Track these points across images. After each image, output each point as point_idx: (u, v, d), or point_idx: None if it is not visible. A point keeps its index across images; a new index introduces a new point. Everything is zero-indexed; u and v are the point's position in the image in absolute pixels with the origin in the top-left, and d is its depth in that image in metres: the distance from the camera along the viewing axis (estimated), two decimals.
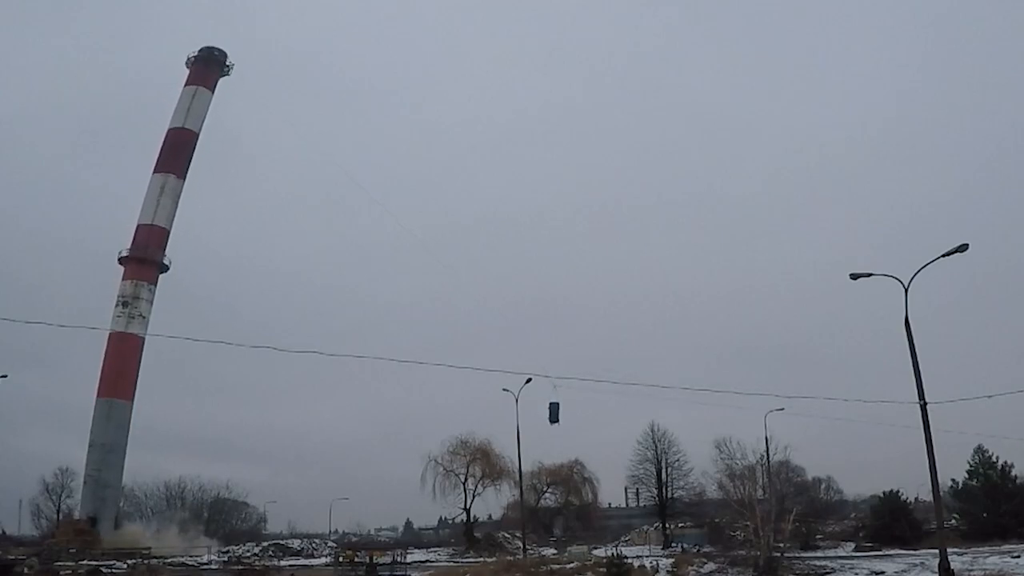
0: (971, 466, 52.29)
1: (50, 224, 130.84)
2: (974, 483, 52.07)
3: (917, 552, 42.23)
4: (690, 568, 36.28)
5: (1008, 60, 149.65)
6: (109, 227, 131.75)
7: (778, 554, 35.80)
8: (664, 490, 66.16)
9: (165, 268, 73.40)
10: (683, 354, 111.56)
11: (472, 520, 69.47)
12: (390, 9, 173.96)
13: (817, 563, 37.14)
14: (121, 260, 71.41)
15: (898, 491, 55.27)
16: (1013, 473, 51.40)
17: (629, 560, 34.21)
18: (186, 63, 78.44)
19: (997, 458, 51.68)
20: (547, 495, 73.05)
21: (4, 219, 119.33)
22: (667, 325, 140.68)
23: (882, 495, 56.68)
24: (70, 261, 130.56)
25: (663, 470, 66.60)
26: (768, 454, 41.85)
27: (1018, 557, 35.11)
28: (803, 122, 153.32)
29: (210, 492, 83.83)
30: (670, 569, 35.93)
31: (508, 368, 42.92)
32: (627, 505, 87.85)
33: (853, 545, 53.04)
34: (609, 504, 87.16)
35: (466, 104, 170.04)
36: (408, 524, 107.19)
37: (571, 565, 38.15)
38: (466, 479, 68.30)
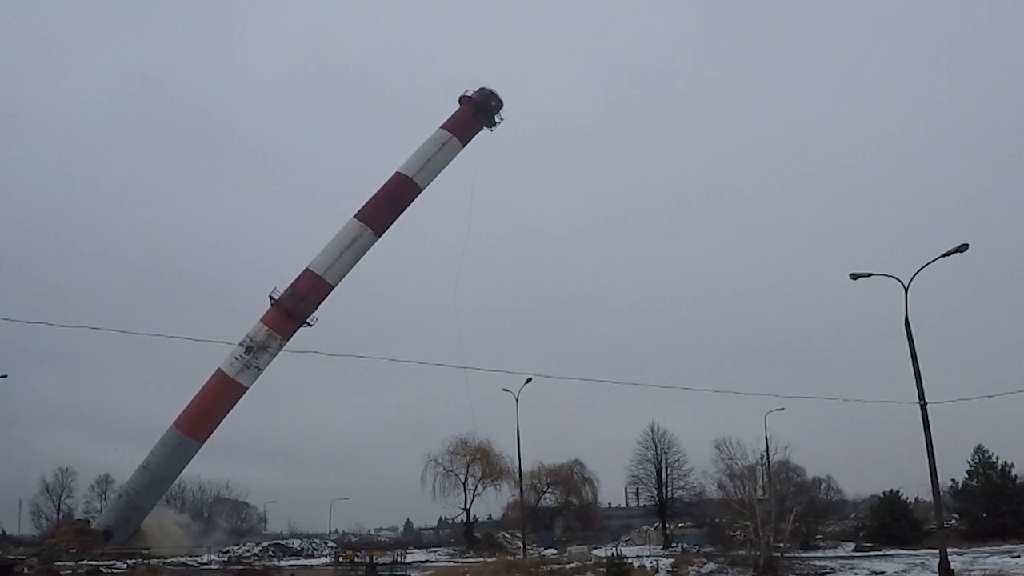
0: (971, 466, 52.29)
1: (56, 226, 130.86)
2: (974, 483, 52.05)
3: (917, 552, 42.25)
4: (690, 568, 36.31)
5: (1009, 60, 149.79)
6: (115, 230, 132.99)
7: (778, 554, 35.85)
8: (664, 490, 66.15)
9: (308, 325, 62.96)
10: (683, 354, 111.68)
11: (472, 520, 69.55)
12: (393, 10, 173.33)
13: (817, 563, 37.17)
14: (271, 300, 61.30)
15: (898, 491, 55.31)
16: (1013, 473, 51.41)
17: (629, 560, 34.27)
18: (459, 100, 67.25)
19: (997, 458, 51.73)
20: (547, 495, 73.10)
21: (9, 222, 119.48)
22: (667, 326, 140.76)
23: (882, 495, 56.70)
24: (74, 261, 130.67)
25: (663, 470, 66.60)
26: (768, 454, 41.86)
27: (1018, 557, 35.16)
28: (804, 125, 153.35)
29: (210, 492, 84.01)
30: (670, 569, 35.98)
31: (508, 368, 42.93)
32: (627, 505, 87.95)
33: (853, 545, 53.01)
34: (609, 504, 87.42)
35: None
36: (408, 524, 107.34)
37: (571, 565, 38.21)
38: (466, 479, 68.40)
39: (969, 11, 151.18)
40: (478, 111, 67.39)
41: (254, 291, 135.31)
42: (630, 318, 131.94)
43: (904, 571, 32.80)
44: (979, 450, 52.36)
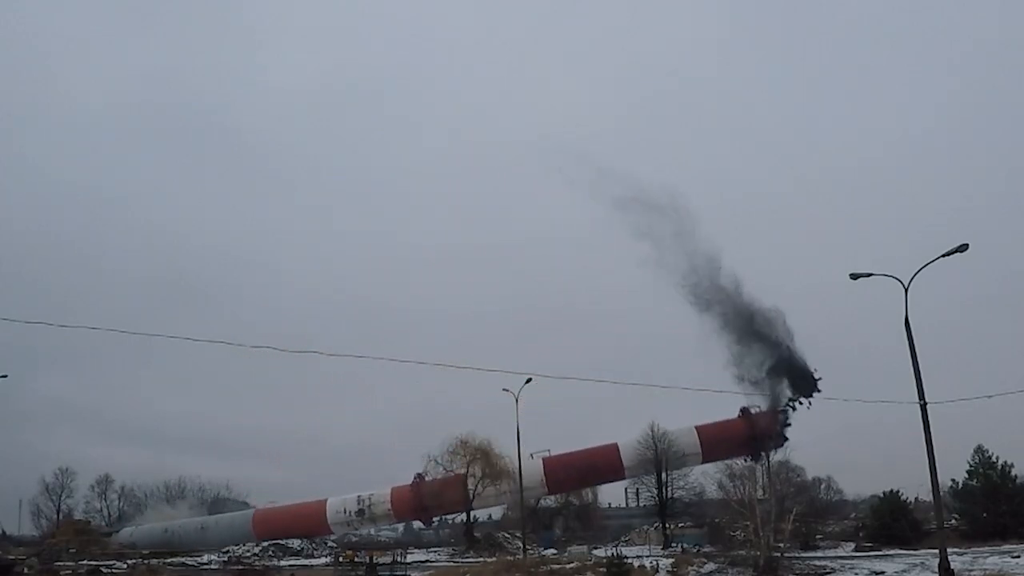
0: (971, 466, 52.22)
1: (56, 226, 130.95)
2: (974, 483, 51.99)
3: (917, 552, 42.24)
4: (690, 568, 36.31)
5: (1009, 61, 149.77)
6: (116, 231, 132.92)
7: (778, 554, 35.84)
8: (664, 490, 66.07)
9: (425, 524, 59.17)
10: (683, 354, 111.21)
11: (472, 520, 69.49)
12: (405, 15, 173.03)
13: (817, 563, 37.17)
14: (416, 479, 56.41)
15: (898, 491, 55.20)
16: (1013, 473, 51.34)
17: (629, 560, 34.28)
18: (740, 410, 52.69)
19: (997, 458, 51.66)
20: (547, 495, 72.97)
21: (9, 222, 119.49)
22: (667, 325, 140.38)
23: (882, 495, 56.62)
24: (74, 261, 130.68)
25: (663, 470, 66.50)
26: (768, 454, 41.85)
27: (1018, 557, 35.17)
28: (805, 126, 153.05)
29: (210, 492, 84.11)
30: (670, 569, 35.98)
31: (508, 368, 42.89)
32: (627, 505, 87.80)
33: (853, 545, 52.96)
34: (609, 504, 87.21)
35: (484, 119, 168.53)
36: (408, 524, 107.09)
37: (571, 565, 38.20)
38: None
39: (970, 12, 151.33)
40: (751, 438, 52.57)
41: (254, 291, 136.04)
42: (630, 318, 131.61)
43: (904, 571, 32.80)
44: (979, 450, 52.31)
